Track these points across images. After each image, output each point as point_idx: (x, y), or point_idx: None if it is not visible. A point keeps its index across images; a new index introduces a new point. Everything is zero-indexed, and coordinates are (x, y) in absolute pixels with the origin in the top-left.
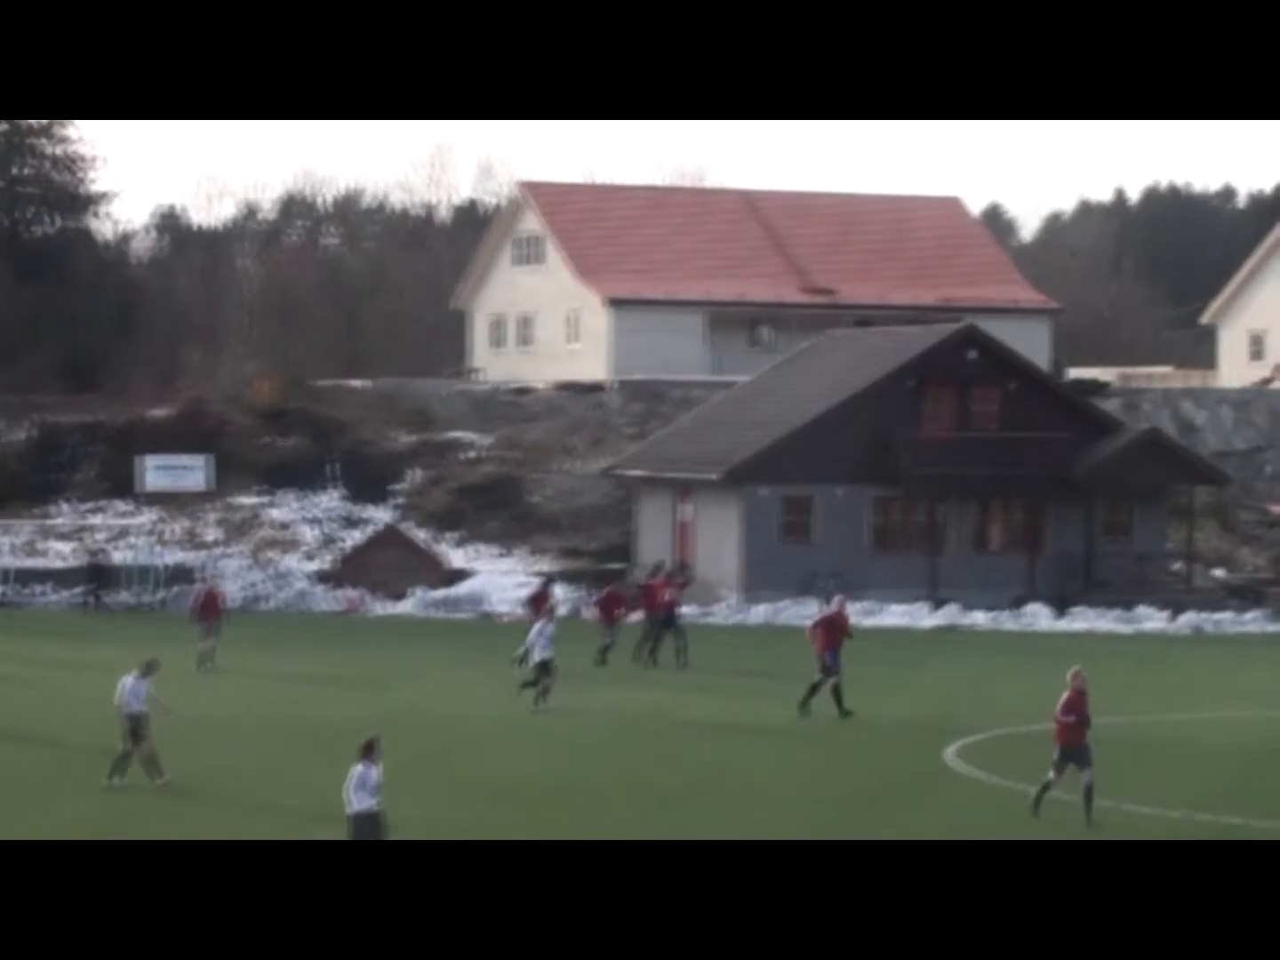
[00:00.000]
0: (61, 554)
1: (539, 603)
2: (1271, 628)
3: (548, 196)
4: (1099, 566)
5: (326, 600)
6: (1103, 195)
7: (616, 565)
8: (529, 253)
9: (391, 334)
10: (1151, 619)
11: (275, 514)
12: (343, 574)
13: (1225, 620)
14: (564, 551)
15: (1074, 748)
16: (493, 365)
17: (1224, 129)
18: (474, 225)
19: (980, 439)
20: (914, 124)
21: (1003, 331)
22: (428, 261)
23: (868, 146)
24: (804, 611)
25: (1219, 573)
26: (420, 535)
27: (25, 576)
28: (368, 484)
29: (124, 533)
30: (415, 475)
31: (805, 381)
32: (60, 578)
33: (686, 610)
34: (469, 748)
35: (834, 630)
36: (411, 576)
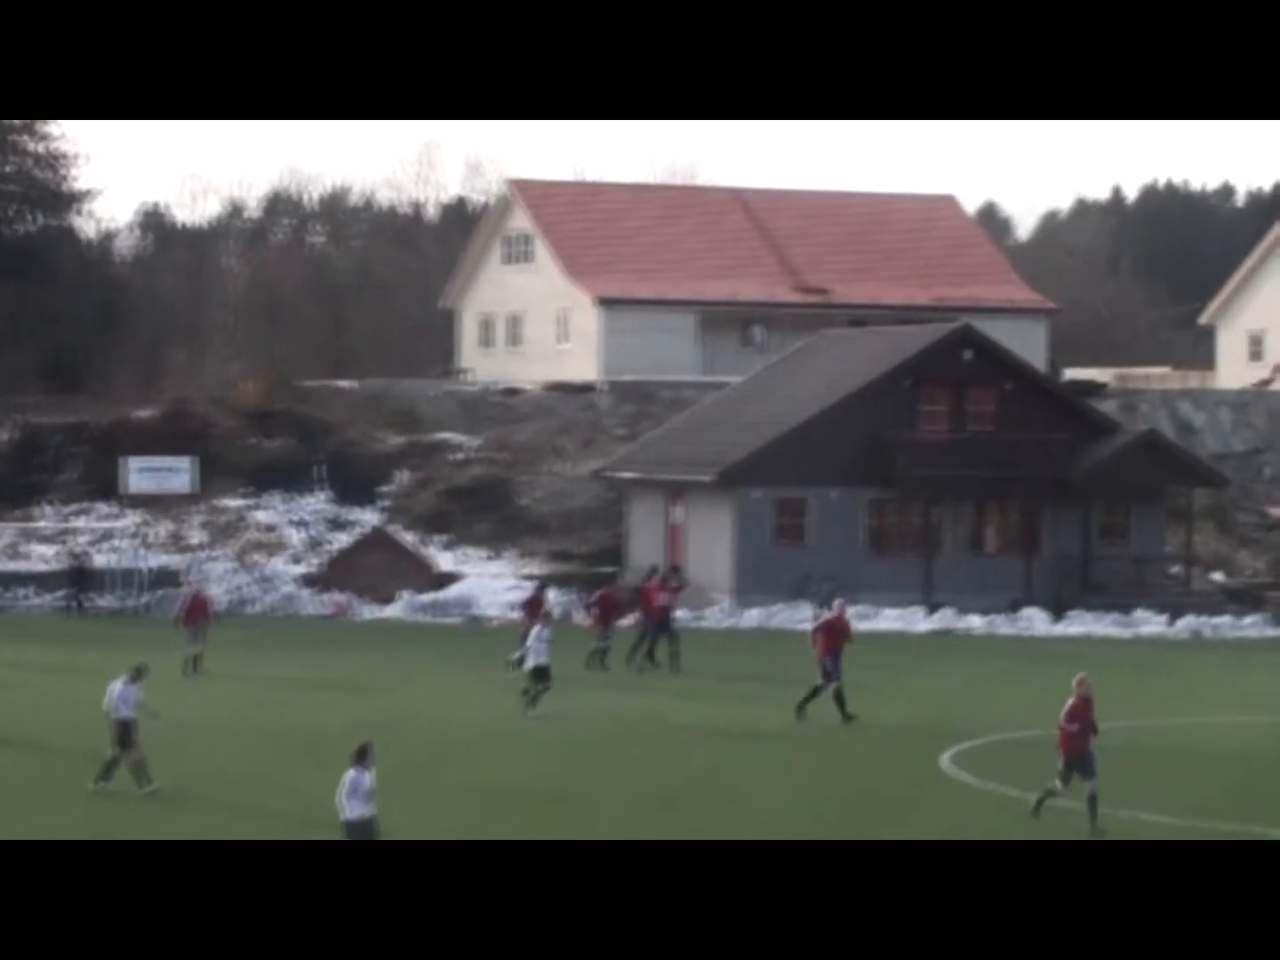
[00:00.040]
0: (44, 557)
1: (534, 607)
2: (1270, 632)
3: (537, 194)
4: (1096, 569)
5: (313, 604)
6: (1100, 193)
7: (607, 569)
8: (518, 251)
9: (379, 334)
10: (1149, 623)
11: (261, 516)
12: (330, 577)
13: (1224, 624)
14: (554, 554)
15: (1078, 756)
16: (481, 365)
17: (1222, 127)
18: (462, 223)
19: (976, 440)
20: (909, 122)
21: (999, 331)
22: (415, 260)
23: (862, 145)
24: (797, 615)
25: (1217, 576)
26: (408, 538)
27: (7, 580)
28: (355, 486)
29: (107, 535)
30: (403, 477)
31: (798, 382)
32: (42, 581)
33: (679, 614)
34: (460, 753)
35: (835, 635)
36: (399, 580)
